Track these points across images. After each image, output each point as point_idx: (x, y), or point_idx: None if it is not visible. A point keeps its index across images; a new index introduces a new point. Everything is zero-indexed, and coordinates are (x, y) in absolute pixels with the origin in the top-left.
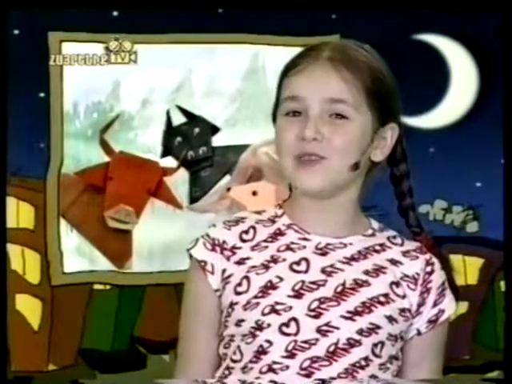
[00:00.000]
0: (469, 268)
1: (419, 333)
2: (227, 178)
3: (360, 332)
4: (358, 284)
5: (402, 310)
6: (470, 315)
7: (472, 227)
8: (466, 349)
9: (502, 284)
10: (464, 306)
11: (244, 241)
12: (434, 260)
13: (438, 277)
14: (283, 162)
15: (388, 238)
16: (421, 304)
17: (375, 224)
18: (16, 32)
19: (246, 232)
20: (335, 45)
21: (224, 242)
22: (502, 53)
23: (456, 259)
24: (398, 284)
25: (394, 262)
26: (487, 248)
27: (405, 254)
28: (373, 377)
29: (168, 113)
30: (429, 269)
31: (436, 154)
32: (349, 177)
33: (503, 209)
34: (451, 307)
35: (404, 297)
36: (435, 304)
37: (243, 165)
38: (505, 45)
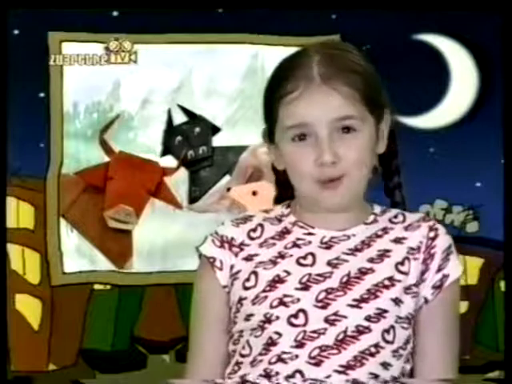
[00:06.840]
0: (469, 268)
1: (426, 300)
2: (227, 178)
3: (368, 318)
4: (363, 272)
5: (408, 288)
6: (470, 315)
7: (472, 227)
8: (466, 349)
9: (502, 284)
10: (464, 306)
11: (252, 238)
12: (438, 226)
13: (443, 241)
14: (303, 186)
15: (390, 220)
16: (424, 271)
17: (377, 208)
18: (16, 32)
19: (254, 230)
20: (322, 57)
21: (232, 238)
22: (502, 53)
23: None
24: (402, 262)
25: (397, 240)
26: (487, 248)
27: (407, 228)
28: (385, 364)
29: (169, 112)
30: (432, 234)
31: (436, 154)
32: (368, 181)
33: (503, 209)
34: (456, 271)
35: (408, 273)
36: (439, 269)
37: (243, 165)
38: (505, 45)
